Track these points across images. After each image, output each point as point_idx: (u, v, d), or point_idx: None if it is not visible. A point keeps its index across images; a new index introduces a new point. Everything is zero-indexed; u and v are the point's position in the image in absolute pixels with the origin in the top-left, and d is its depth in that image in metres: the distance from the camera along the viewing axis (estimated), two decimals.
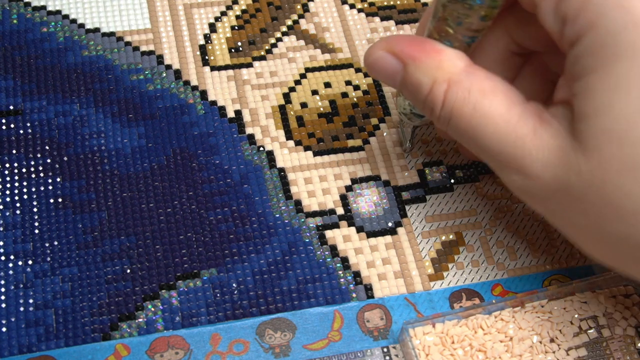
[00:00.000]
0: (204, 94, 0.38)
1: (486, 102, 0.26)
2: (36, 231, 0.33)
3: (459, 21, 0.27)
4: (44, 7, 0.40)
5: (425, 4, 0.43)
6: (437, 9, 0.28)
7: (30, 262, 0.32)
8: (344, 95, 0.39)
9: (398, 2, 0.43)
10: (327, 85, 0.39)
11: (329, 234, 0.34)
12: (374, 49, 0.29)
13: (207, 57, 0.39)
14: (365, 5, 0.42)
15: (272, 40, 0.40)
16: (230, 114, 0.38)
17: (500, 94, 0.26)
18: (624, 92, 0.23)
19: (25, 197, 0.34)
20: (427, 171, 0.37)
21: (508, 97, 0.26)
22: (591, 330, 0.31)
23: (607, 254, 0.26)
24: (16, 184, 0.34)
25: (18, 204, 0.34)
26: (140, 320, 0.31)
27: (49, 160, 0.35)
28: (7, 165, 0.35)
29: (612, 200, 0.24)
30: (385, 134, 0.38)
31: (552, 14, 0.25)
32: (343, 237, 0.34)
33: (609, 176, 0.24)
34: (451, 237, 0.35)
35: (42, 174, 0.35)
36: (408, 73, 0.28)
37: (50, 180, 0.35)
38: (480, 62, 0.28)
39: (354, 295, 0.33)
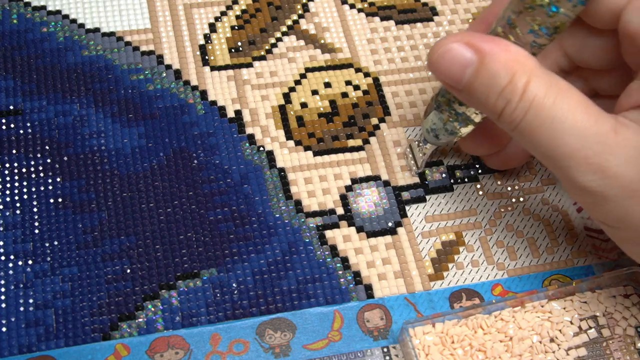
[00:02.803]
0: (204, 94, 0.38)
1: (566, 97, 0.26)
2: (36, 231, 0.33)
3: (530, 29, 0.27)
4: (44, 7, 0.40)
5: (425, 4, 0.43)
6: (505, 15, 0.27)
7: (30, 262, 0.32)
8: (344, 95, 0.39)
9: (398, 2, 0.43)
10: (327, 85, 0.39)
11: (329, 234, 0.34)
12: (445, 41, 0.28)
13: (207, 57, 0.39)
14: (365, 5, 0.42)
15: (272, 40, 0.40)
16: (230, 114, 0.38)
17: (575, 92, 0.26)
18: None
19: (25, 197, 0.34)
20: (427, 171, 0.37)
21: (583, 97, 0.26)
22: (591, 330, 0.31)
23: None
24: (16, 184, 0.34)
25: (18, 204, 0.34)
26: (140, 320, 0.31)
27: (49, 160, 0.35)
28: (7, 165, 0.35)
29: None
30: (385, 133, 0.38)
31: (638, 18, 0.25)
32: (343, 237, 0.34)
33: None
34: (451, 237, 0.35)
35: (42, 174, 0.35)
36: (484, 64, 0.27)
37: (50, 180, 0.35)
38: None
39: (354, 295, 0.33)
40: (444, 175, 0.37)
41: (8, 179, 0.34)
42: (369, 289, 0.33)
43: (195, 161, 0.36)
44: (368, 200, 0.35)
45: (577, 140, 0.25)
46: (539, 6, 0.26)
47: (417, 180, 0.36)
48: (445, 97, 0.31)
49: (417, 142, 0.35)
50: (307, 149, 0.37)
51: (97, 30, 0.40)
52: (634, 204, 0.25)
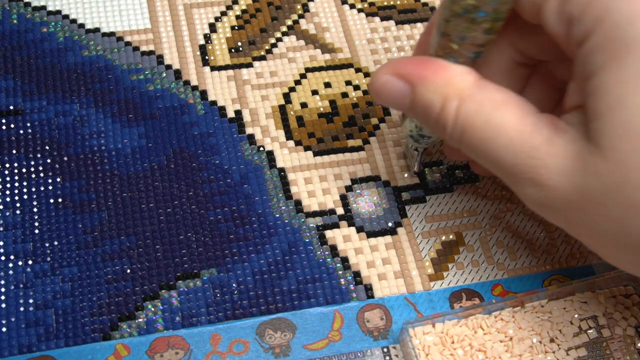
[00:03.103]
0: (204, 94, 0.38)
1: (498, 114, 0.26)
2: (36, 231, 0.33)
3: (463, 36, 0.27)
4: (44, 7, 0.40)
5: (425, 4, 0.43)
6: (440, 24, 0.27)
7: (30, 262, 0.32)
8: (344, 95, 0.39)
9: (398, 2, 0.43)
10: (327, 85, 0.39)
11: (329, 234, 0.34)
12: (379, 74, 0.28)
13: (207, 57, 0.39)
14: (365, 5, 0.42)
15: (272, 40, 0.40)
16: (230, 114, 0.38)
17: (512, 105, 0.26)
18: (638, 85, 0.22)
19: (25, 197, 0.34)
20: (427, 171, 0.37)
21: (520, 108, 0.26)
22: (591, 330, 0.31)
23: (635, 260, 0.25)
24: (16, 184, 0.34)
25: (18, 204, 0.34)
26: (140, 320, 0.31)
27: (49, 160, 0.35)
28: (7, 165, 0.35)
29: (636, 199, 0.23)
30: (385, 133, 0.38)
31: (556, 17, 0.25)
32: (343, 237, 0.34)
33: (630, 174, 0.23)
34: (451, 237, 0.35)
35: (42, 174, 0.35)
36: (417, 94, 0.27)
37: (50, 180, 0.35)
38: (486, 75, 0.28)
39: (354, 295, 0.33)
40: (444, 175, 0.37)
41: (8, 179, 0.34)
42: (369, 289, 0.33)
43: (195, 161, 0.36)
44: (368, 201, 0.35)
45: (511, 157, 0.25)
46: (465, 13, 0.26)
47: (417, 180, 0.36)
48: None
49: (410, 145, 0.35)
50: (307, 149, 0.37)
51: (97, 30, 0.40)
52: (576, 214, 0.25)
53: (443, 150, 0.36)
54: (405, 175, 0.36)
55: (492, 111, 0.26)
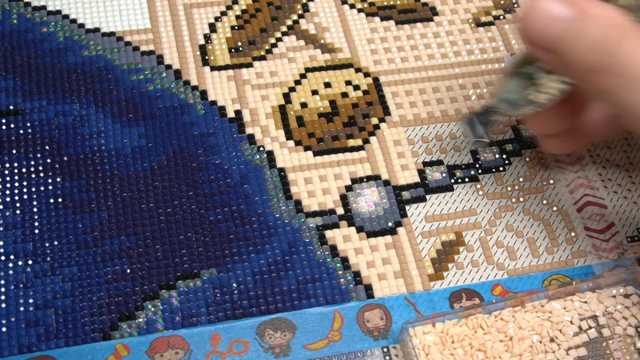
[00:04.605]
0: (204, 94, 0.38)
1: None
2: (36, 231, 0.33)
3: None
4: (44, 7, 0.40)
5: (425, 4, 0.43)
6: None
7: (30, 262, 0.32)
8: (344, 95, 0.39)
9: (398, 2, 0.43)
10: (327, 85, 0.39)
11: (329, 234, 0.34)
12: (538, 1, 0.28)
13: (207, 57, 0.39)
14: (365, 5, 0.42)
15: (272, 40, 0.40)
16: (230, 114, 0.38)
17: None
18: None
19: (25, 197, 0.34)
20: (427, 171, 0.37)
21: None
22: (591, 330, 0.31)
23: None
24: (16, 184, 0.34)
25: (18, 204, 0.34)
26: (140, 320, 0.31)
27: (49, 160, 0.35)
28: (7, 165, 0.35)
29: None
30: (385, 133, 0.38)
31: None
32: (343, 237, 0.34)
33: None
34: (451, 237, 0.35)
35: (42, 174, 0.35)
36: (577, 18, 0.27)
37: (50, 180, 0.35)
38: None
39: (354, 295, 0.33)
40: (444, 175, 0.37)
41: (8, 179, 0.34)
42: (369, 289, 0.33)
43: (195, 161, 0.36)
44: (368, 200, 0.35)
45: None
46: None
47: (417, 179, 0.36)
48: (531, 64, 0.31)
49: (479, 113, 0.33)
50: (307, 149, 0.37)
51: (97, 30, 0.40)
52: None
53: (528, 122, 0.34)
54: (406, 173, 0.36)
55: None
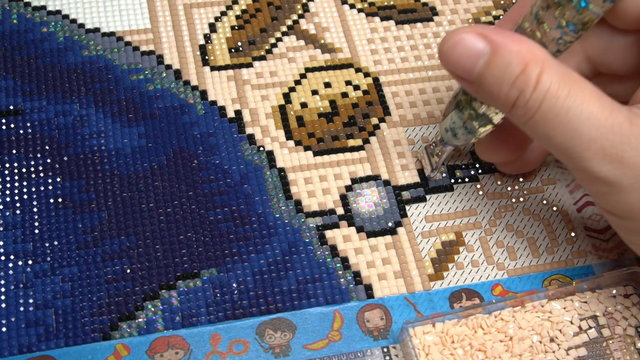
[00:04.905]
0: (204, 94, 0.38)
1: (580, 88, 0.25)
2: (36, 231, 0.33)
3: (558, 24, 0.27)
4: (44, 7, 0.40)
5: (425, 4, 0.43)
6: (532, 11, 0.27)
7: (30, 262, 0.32)
8: (344, 95, 0.39)
9: (398, 2, 0.43)
10: (327, 85, 0.39)
11: (329, 234, 0.34)
12: (457, 32, 0.28)
13: (207, 57, 0.39)
14: (365, 5, 0.42)
15: (272, 40, 0.40)
16: (230, 114, 0.38)
17: (589, 84, 0.26)
18: None
19: (25, 197, 0.34)
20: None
21: (596, 89, 0.26)
22: (591, 330, 0.31)
23: None
24: (16, 184, 0.34)
25: (18, 204, 0.34)
26: (140, 320, 0.31)
27: (49, 160, 0.35)
28: (7, 165, 0.35)
29: None
30: (385, 133, 0.38)
31: None
32: (343, 237, 0.34)
33: None
34: (451, 237, 0.35)
35: (42, 174, 0.35)
36: (497, 54, 0.26)
37: (50, 180, 0.35)
38: None
39: (354, 295, 0.33)
40: (444, 175, 0.37)
41: (8, 179, 0.34)
42: (369, 289, 0.33)
43: (195, 161, 0.36)
44: (368, 200, 0.35)
45: (593, 131, 0.25)
46: (568, 1, 0.26)
47: (417, 179, 0.36)
48: (466, 95, 0.31)
49: (433, 144, 0.35)
50: (307, 149, 0.37)
51: (97, 30, 0.40)
52: None
53: (476, 151, 0.35)
54: (406, 173, 0.36)
55: (573, 84, 0.25)
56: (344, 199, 0.35)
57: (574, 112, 0.25)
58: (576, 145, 0.26)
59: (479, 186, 0.36)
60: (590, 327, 0.31)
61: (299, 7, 0.42)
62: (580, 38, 0.28)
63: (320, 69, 0.40)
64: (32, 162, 0.35)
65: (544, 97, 0.26)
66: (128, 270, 0.32)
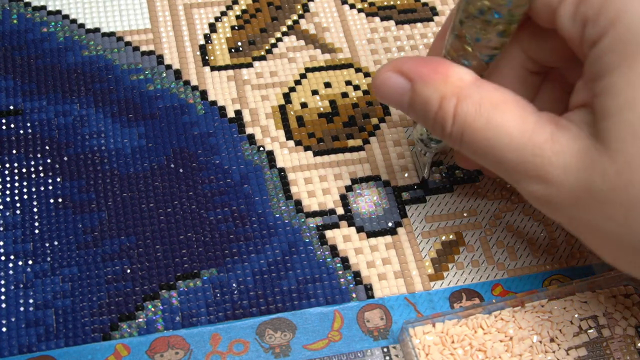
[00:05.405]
0: (204, 94, 0.38)
1: (498, 113, 0.26)
2: (36, 231, 0.33)
3: (477, 37, 0.27)
4: (44, 7, 0.40)
5: (425, 4, 0.43)
6: (454, 26, 0.27)
7: (30, 262, 0.32)
8: (344, 95, 0.39)
9: (398, 2, 0.43)
10: (327, 85, 0.39)
11: (329, 234, 0.34)
12: (381, 71, 0.28)
13: (207, 57, 0.39)
14: (365, 5, 0.42)
15: (272, 40, 0.40)
16: (230, 114, 0.38)
17: (511, 104, 0.26)
18: None
19: (25, 197, 0.34)
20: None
21: (520, 106, 0.26)
22: (591, 330, 0.31)
23: (634, 260, 0.25)
24: (16, 184, 0.34)
25: (18, 204, 0.34)
26: (140, 320, 0.31)
27: (49, 160, 0.35)
28: (7, 165, 0.35)
29: None
30: (385, 133, 0.38)
31: (571, 18, 0.25)
32: (343, 237, 0.34)
33: (636, 176, 0.23)
34: (451, 237, 0.35)
35: (42, 174, 0.35)
36: (415, 91, 0.27)
37: (50, 180, 0.35)
38: (498, 83, 0.27)
39: (354, 295, 0.33)
40: (444, 175, 0.37)
41: (8, 179, 0.34)
42: (369, 289, 0.33)
43: (195, 161, 0.36)
44: (368, 200, 0.35)
45: (514, 155, 0.25)
46: (480, 14, 0.26)
47: (417, 180, 0.36)
48: None
49: (419, 150, 0.35)
50: (307, 149, 0.37)
51: (97, 30, 0.40)
52: (580, 211, 0.25)
53: (454, 157, 0.35)
54: (406, 174, 0.36)
55: (491, 110, 0.26)
56: (344, 199, 0.35)
57: (494, 141, 0.26)
58: (503, 170, 0.26)
59: (479, 186, 0.36)
60: (590, 327, 0.31)
61: (299, 7, 0.42)
62: (518, 39, 0.28)
63: (320, 69, 0.40)
64: (32, 162, 0.35)
65: (462, 129, 0.26)
66: (128, 270, 0.32)
